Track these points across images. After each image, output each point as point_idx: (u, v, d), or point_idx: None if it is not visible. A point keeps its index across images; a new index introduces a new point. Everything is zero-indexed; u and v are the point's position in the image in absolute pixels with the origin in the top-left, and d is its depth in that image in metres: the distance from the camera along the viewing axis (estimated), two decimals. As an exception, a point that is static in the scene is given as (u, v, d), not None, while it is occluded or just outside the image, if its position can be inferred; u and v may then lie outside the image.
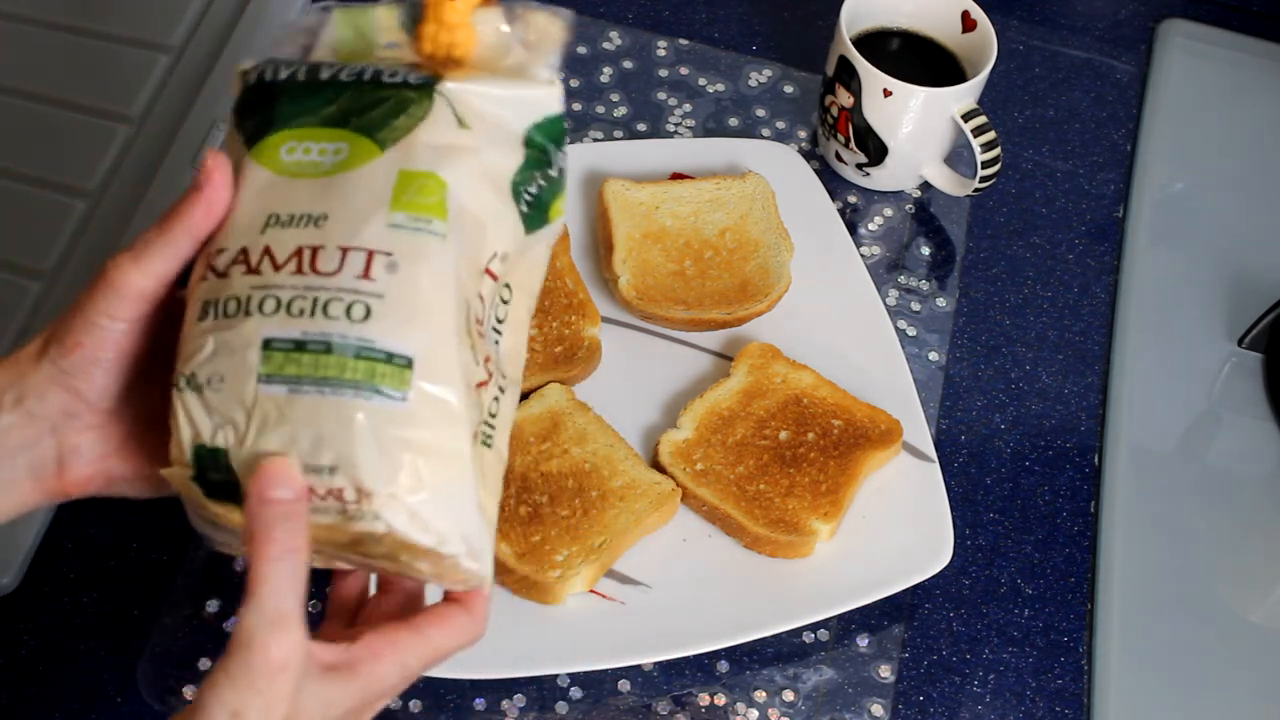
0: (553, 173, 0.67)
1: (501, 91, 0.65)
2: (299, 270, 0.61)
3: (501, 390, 0.63)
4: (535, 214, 0.66)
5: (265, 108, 0.65)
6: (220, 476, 0.60)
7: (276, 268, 0.61)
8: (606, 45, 1.04)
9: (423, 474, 0.60)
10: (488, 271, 0.63)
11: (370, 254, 0.60)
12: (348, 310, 0.60)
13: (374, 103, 0.64)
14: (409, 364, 0.60)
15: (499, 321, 0.64)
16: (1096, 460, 0.90)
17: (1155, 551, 0.87)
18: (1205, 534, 0.88)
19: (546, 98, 0.66)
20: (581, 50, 1.04)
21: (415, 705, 0.77)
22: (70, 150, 0.94)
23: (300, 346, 0.59)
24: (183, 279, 0.63)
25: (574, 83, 1.02)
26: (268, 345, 0.59)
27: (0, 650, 0.77)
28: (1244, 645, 0.84)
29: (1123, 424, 0.91)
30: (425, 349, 0.60)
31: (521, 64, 0.67)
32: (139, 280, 0.62)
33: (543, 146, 0.66)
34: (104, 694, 0.76)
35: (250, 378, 0.59)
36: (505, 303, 0.65)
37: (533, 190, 0.66)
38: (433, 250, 0.61)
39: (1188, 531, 0.88)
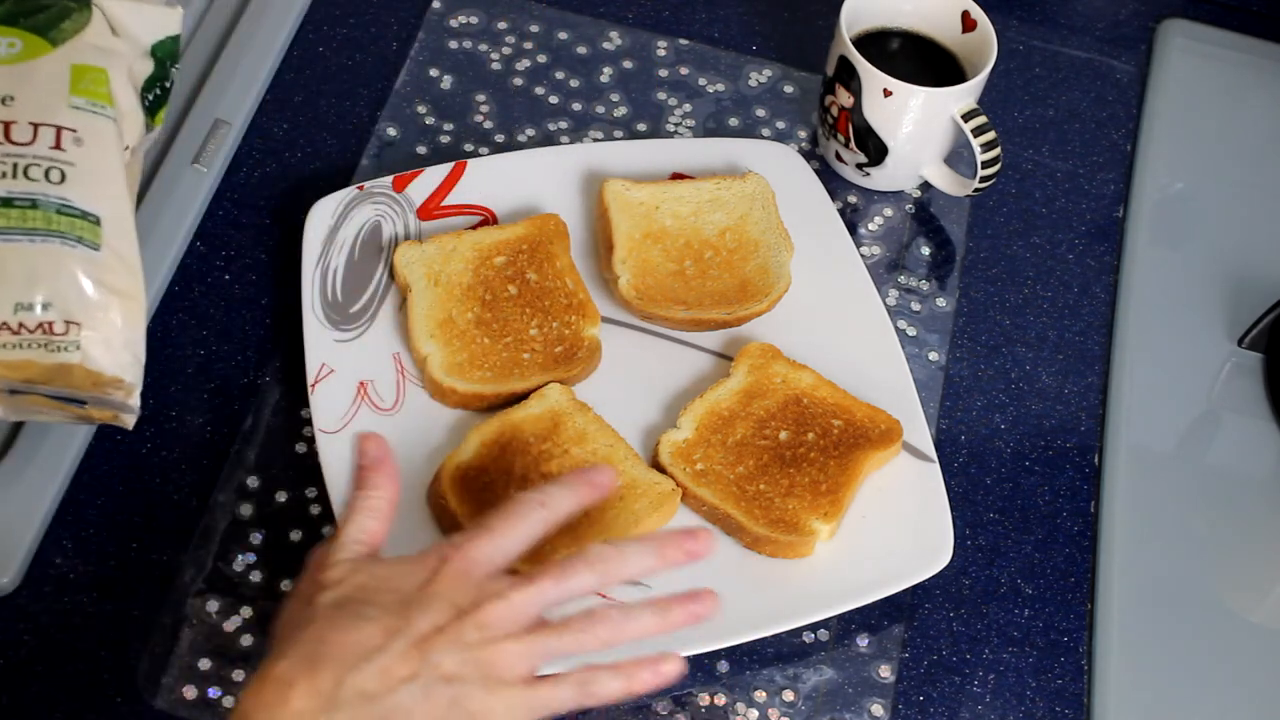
0: (167, 84, 0.82)
1: (139, 9, 0.79)
2: None
3: None
4: (149, 119, 0.81)
5: None
6: None
7: None
8: (606, 45, 1.04)
9: (118, 312, 0.72)
10: None
11: (59, 129, 0.73)
12: (46, 174, 0.72)
13: (39, 8, 0.76)
14: (99, 222, 0.73)
15: None
16: (1096, 460, 0.90)
17: (1155, 551, 0.87)
18: (1205, 534, 0.88)
19: (171, 18, 0.81)
20: (581, 50, 1.04)
21: (415, 705, 0.77)
22: (69, 150, 0.94)
23: (7, 203, 0.71)
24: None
25: (574, 83, 1.02)
26: None
27: (0, 650, 0.77)
28: (1244, 645, 0.84)
29: (1123, 424, 0.91)
30: (110, 211, 0.73)
31: None
32: None
33: (163, 60, 0.81)
34: (104, 694, 0.76)
35: None
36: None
37: (150, 98, 0.80)
38: (107, 130, 0.75)
39: (1188, 531, 0.88)
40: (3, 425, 0.81)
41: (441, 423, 0.84)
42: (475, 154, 0.98)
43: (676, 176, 0.95)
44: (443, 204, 0.92)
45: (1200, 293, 0.97)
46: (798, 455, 0.83)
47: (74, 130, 0.74)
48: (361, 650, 0.62)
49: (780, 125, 1.01)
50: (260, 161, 0.96)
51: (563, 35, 1.04)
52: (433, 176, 0.93)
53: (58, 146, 0.73)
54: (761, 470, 0.83)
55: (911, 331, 0.93)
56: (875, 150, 0.95)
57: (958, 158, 0.99)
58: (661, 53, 1.04)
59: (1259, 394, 0.93)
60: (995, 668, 0.82)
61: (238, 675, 0.77)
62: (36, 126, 0.73)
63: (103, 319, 0.72)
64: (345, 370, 0.85)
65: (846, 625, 0.82)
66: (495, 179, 0.93)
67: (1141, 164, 1.02)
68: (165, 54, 0.81)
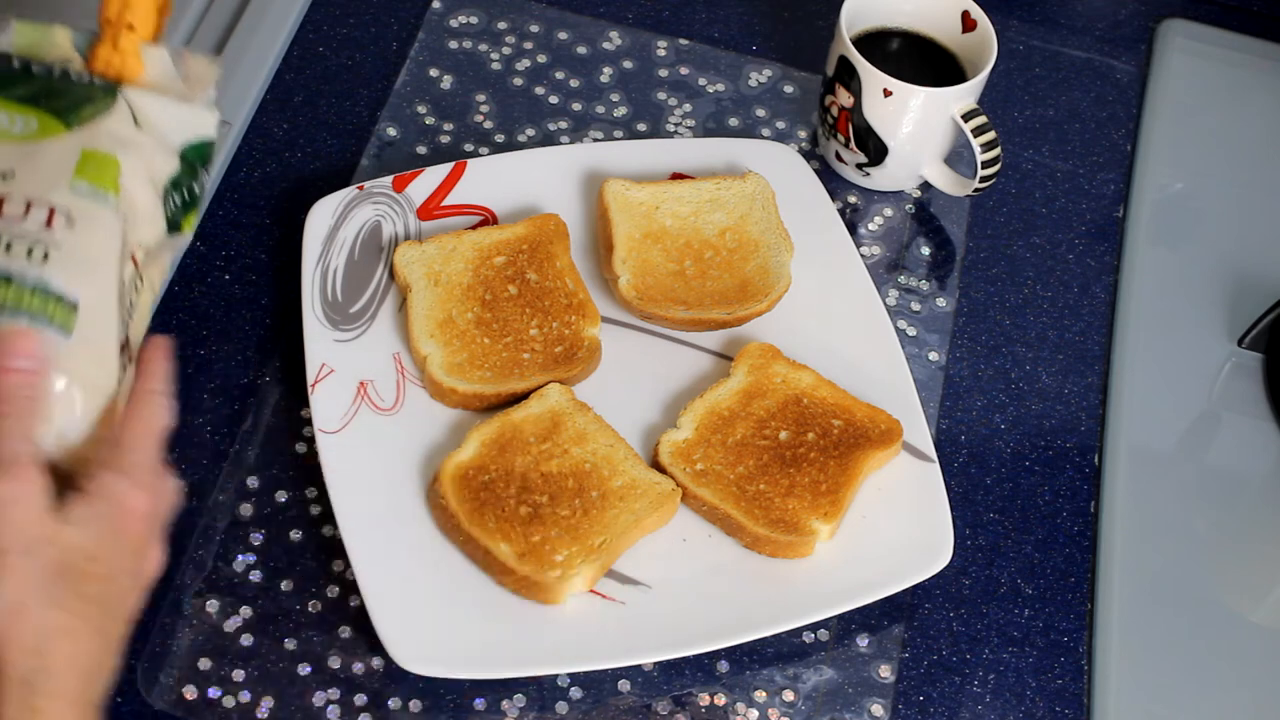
0: (195, 189, 0.77)
1: (170, 106, 0.76)
2: None
3: (123, 369, 0.71)
4: (174, 221, 0.76)
5: None
6: None
7: None
8: (606, 45, 1.04)
9: (79, 404, 0.69)
10: (132, 258, 0.73)
11: (53, 209, 0.70)
12: (29, 251, 0.69)
13: (63, 91, 0.74)
14: (75, 308, 0.69)
15: (131, 305, 0.73)
16: (1096, 460, 0.90)
17: (1155, 551, 0.87)
18: (1205, 534, 0.88)
19: (205, 121, 0.77)
20: (581, 50, 1.04)
21: (415, 705, 0.77)
22: (69, 150, 0.94)
23: None
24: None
25: (574, 83, 1.02)
26: None
27: (0, 650, 0.77)
28: (1244, 645, 0.85)
29: (1123, 424, 0.91)
30: (90, 299, 0.70)
31: (182, 98, 0.77)
32: None
33: (194, 163, 0.76)
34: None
35: None
36: (138, 291, 0.74)
37: (177, 199, 0.76)
38: (106, 219, 0.71)
39: (1188, 531, 0.88)
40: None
41: (441, 423, 0.84)
42: (475, 154, 0.98)
43: (676, 176, 0.95)
44: (443, 204, 0.92)
45: (1200, 293, 0.97)
46: (798, 455, 0.83)
47: (68, 212, 0.71)
48: None
49: (780, 125, 1.01)
50: (260, 161, 0.96)
51: (563, 35, 1.04)
52: (433, 176, 0.93)
53: (48, 226, 0.70)
54: (761, 470, 0.83)
55: (911, 331, 0.93)
56: (875, 150, 0.95)
57: (958, 158, 0.99)
58: (661, 53, 1.04)
59: (1259, 394, 0.93)
60: (995, 668, 0.82)
61: (238, 675, 0.77)
62: (30, 203, 0.70)
63: (59, 409, 0.68)
64: (345, 370, 0.85)
65: (846, 625, 0.82)
66: (495, 179, 0.93)
67: (1141, 164, 1.02)
68: (196, 157, 0.77)
